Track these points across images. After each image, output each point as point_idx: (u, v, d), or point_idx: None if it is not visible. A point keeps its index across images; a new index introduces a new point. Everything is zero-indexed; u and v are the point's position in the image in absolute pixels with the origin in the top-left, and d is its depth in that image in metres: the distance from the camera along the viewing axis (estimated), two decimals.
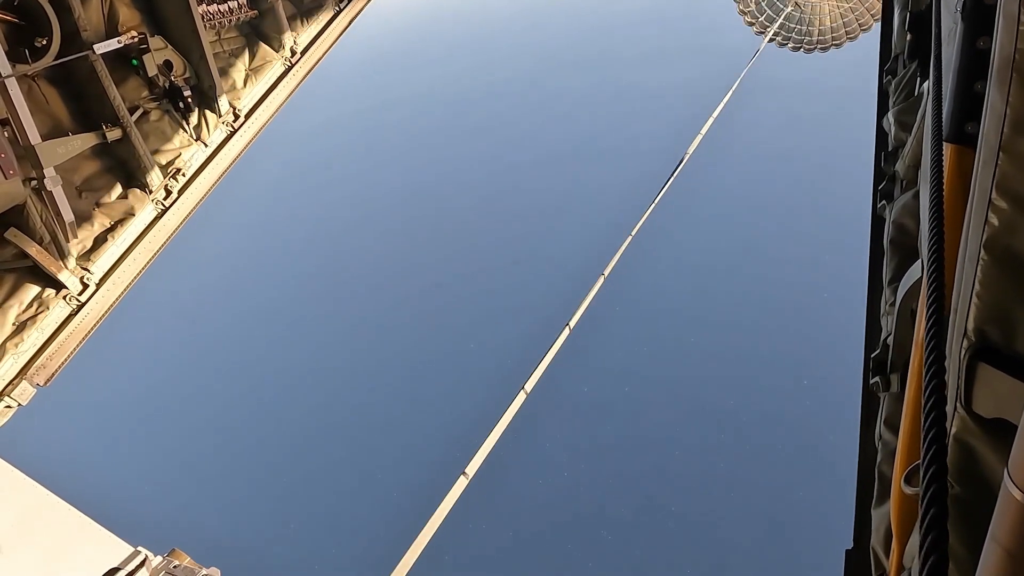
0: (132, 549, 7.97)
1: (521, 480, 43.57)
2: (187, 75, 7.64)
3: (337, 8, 9.52)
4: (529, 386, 7.83)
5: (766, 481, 41.03)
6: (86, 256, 6.90)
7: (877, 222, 5.42)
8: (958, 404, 1.51)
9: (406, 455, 47.30)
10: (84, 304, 6.82)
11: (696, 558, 38.56)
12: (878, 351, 4.06)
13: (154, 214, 7.48)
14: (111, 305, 7.09)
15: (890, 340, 3.77)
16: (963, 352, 1.45)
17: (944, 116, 2.04)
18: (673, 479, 42.49)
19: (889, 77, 6.33)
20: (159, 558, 8.10)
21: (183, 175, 7.71)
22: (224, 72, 8.15)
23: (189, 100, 7.61)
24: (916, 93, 5.25)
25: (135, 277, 7.30)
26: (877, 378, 3.88)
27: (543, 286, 56.27)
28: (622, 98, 68.44)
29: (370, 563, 41.16)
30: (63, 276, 6.58)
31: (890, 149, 5.45)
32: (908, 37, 5.27)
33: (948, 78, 2.07)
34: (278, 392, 54.27)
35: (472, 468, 7.01)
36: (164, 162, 7.57)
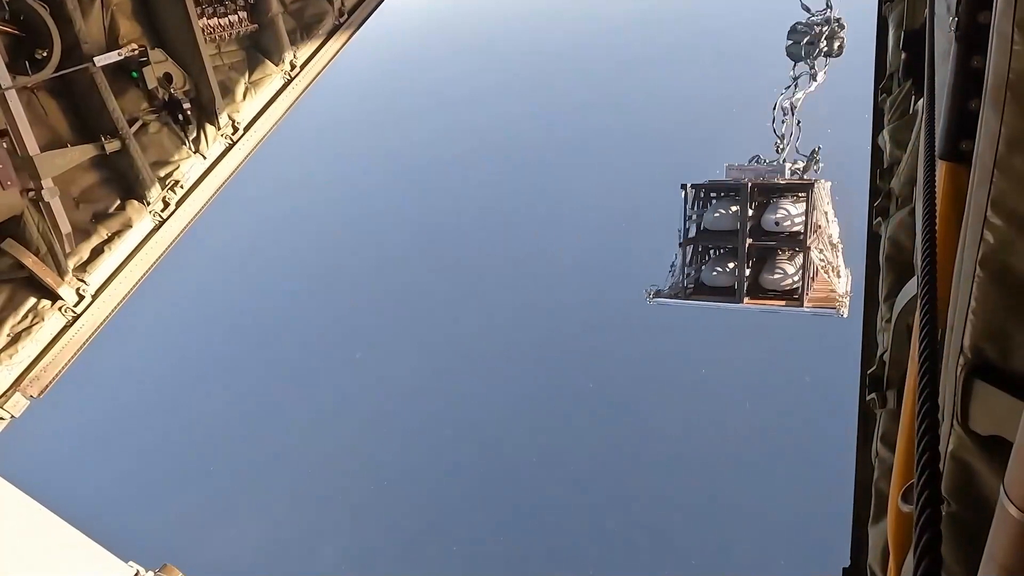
0: (124, 564, 7.90)
1: (530, 477, 43.43)
2: (187, 88, 7.67)
3: (337, 22, 9.58)
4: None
5: (764, 498, 40.87)
6: (82, 267, 6.89)
7: (873, 239, 5.44)
8: (955, 421, 1.51)
9: (405, 469, 47.02)
10: (80, 316, 6.80)
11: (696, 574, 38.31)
12: (874, 368, 4.05)
13: (151, 226, 7.48)
14: (107, 317, 7.07)
15: (886, 357, 3.77)
16: (959, 369, 1.45)
17: (938, 134, 2.05)
18: (672, 497, 42.29)
19: (884, 95, 6.38)
20: (151, 573, 8.03)
21: (181, 187, 7.72)
22: (223, 85, 8.18)
23: (188, 113, 7.63)
24: (911, 111, 5.29)
25: (131, 289, 7.28)
26: (874, 395, 3.88)
27: (550, 289, 56.29)
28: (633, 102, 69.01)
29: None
30: (59, 287, 6.56)
31: (885, 166, 5.48)
32: (902, 56, 5.32)
33: (942, 96, 2.09)
34: (273, 407, 54.04)
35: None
36: (162, 174, 7.58)
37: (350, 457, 48.57)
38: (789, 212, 16.95)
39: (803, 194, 16.88)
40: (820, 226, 16.98)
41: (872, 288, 5.12)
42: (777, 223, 16.85)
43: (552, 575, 39.51)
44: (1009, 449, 1.07)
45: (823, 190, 17.44)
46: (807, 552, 36.19)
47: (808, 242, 16.52)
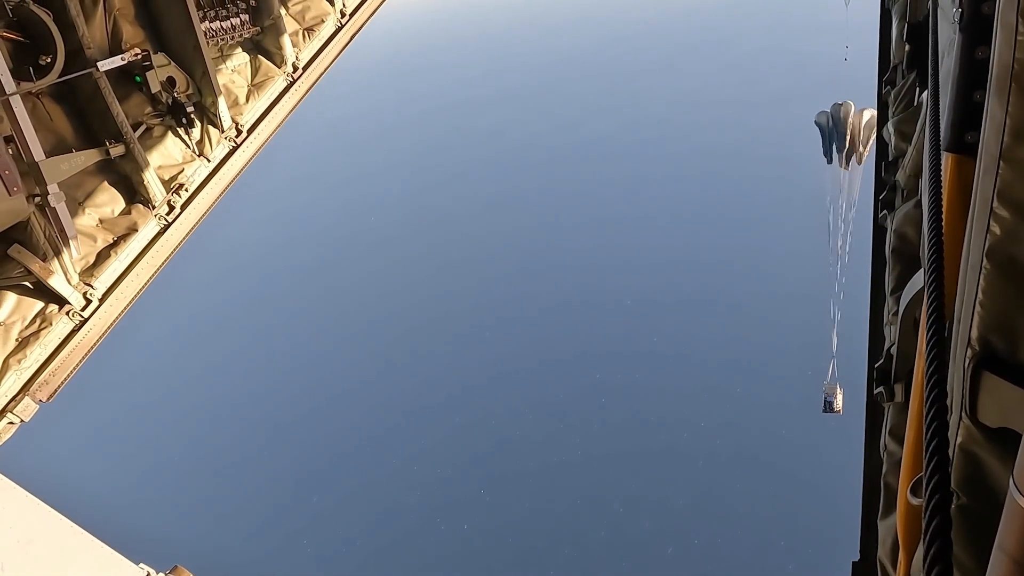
0: (135, 567, 7.93)
1: (537, 466, 43.54)
2: (190, 91, 7.70)
3: (339, 23, 9.60)
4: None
5: (773, 493, 40.81)
6: (89, 272, 6.92)
7: (879, 232, 5.43)
8: (963, 414, 1.50)
9: (410, 467, 47.12)
10: (87, 320, 6.83)
11: (704, 570, 38.27)
12: (882, 361, 4.04)
13: (157, 229, 7.51)
14: (114, 321, 7.10)
15: (893, 350, 3.76)
16: (967, 362, 1.45)
17: (943, 126, 2.05)
18: (682, 491, 42.27)
19: (888, 87, 6.37)
20: (162, 575, 8.06)
21: (186, 190, 7.75)
22: (226, 88, 8.21)
23: (192, 116, 7.66)
24: (915, 103, 5.28)
25: (138, 292, 7.31)
26: (881, 388, 3.87)
27: (554, 287, 56.34)
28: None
29: None
30: (66, 292, 6.59)
31: (890, 159, 5.47)
32: (906, 48, 5.31)
33: (947, 88, 2.08)
34: (282, 409, 54.18)
35: None
36: (167, 177, 7.61)
37: (364, 459, 48.67)
38: None
39: None
40: None
41: (878, 281, 5.11)
42: None
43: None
44: (1018, 441, 1.07)
45: None
46: (816, 545, 36.12)
47: None
